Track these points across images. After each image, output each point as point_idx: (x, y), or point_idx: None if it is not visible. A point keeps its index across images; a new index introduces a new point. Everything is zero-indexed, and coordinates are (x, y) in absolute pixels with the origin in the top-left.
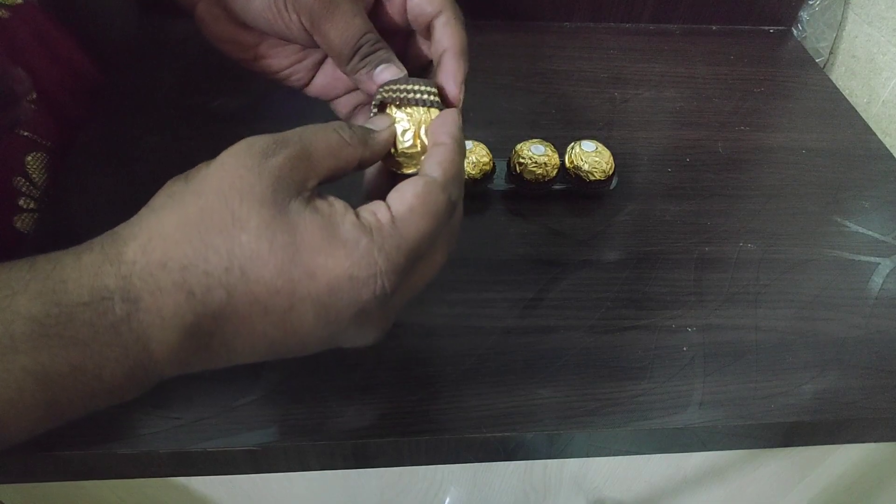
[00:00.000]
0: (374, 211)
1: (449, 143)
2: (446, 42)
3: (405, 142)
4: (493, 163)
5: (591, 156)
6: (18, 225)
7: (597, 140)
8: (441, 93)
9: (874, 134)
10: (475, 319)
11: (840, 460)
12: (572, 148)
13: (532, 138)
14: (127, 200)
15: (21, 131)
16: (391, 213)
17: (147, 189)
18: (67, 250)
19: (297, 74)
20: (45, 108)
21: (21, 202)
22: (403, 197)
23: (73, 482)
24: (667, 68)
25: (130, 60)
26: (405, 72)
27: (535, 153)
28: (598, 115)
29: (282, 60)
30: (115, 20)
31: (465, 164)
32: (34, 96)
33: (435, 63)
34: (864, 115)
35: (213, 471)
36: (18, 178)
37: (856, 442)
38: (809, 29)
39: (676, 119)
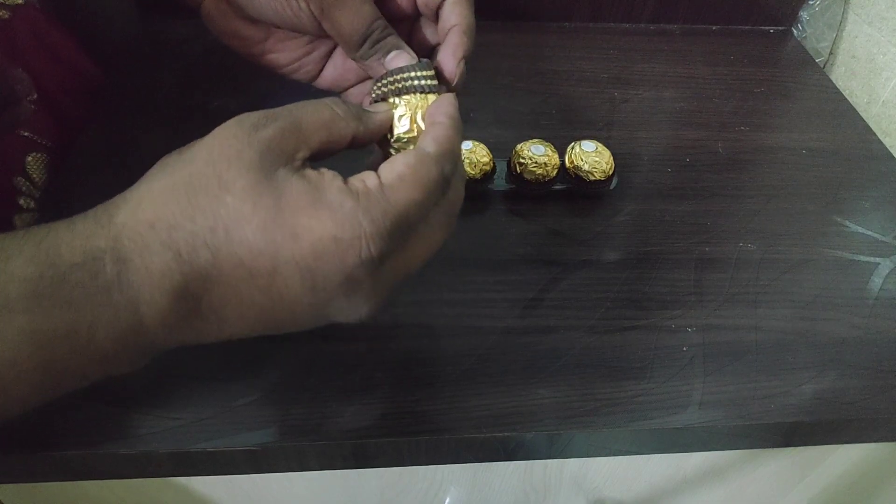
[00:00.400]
0: (363, 178)
1: (445, 122)
2: (454, 19)
3: (401, 127)
4: (493, 163)
5: (591, 156)
6: (18, 224)
7: (597, 140)
8: (438, 72)
9: (874, 134)
10: (475, 319)
11: (840, 460)
12: (572, 148)
13: (532, 138)
14: None
15: (21, 131)
16: (380, 180)
17: None
18: (62, 220)
19: (305, 67)
20: (45, 108)
21: (21, 202)
22: (394, 166)
23: (73, 482)
24: (667, 68)
25: (130, 61)
26: (416, 58)
27: (535, 153)
28: (598, 115)
29: (290, 54)
30: (116, 21)
31: (466, 165)
32: (34, 96)
33: (440, 41)
34: (864, 115)
35: (213, 471)
36: (18, 178)
37: (856, 442)
38: (809, 29)
39: (676, 119)
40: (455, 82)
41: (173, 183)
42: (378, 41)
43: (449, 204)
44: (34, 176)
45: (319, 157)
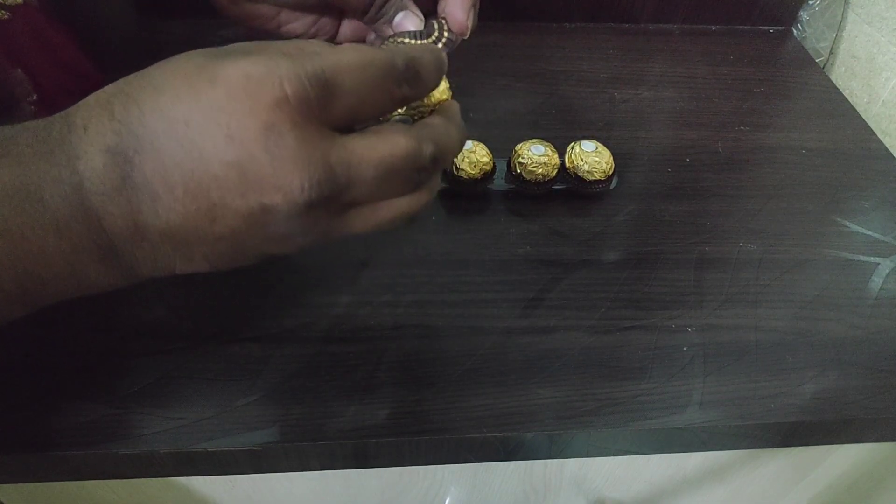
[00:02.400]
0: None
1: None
2: None
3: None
4: (493, 163)
5: (591, 156)
6: None
7: (597, 140)
8: (450, 23)
9: (874, 134)
10: (475, 319)
11: (840, 460)
12: (572, 148)
13: (532, 138)
14: None
15: None
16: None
17: None
18: None
19: (324, 29)
20: (44, 109)
21: None
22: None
23: (73, 482)
24: (666, 68)
25: (130, 61)
26: (422, 17)
27: (535, 153)
28: (597, 115)
29: (305, 21)
30: (115, 21)
31: (466, 165)
32: (34, 98)
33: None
34: (864, 115)
35: (214, 471)
36: None
37: (856, 442)
38: (809, 29)
39: (676, 119)
40: (468, 33)
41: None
42: (383, 4)
43: (425, 179)
44: None
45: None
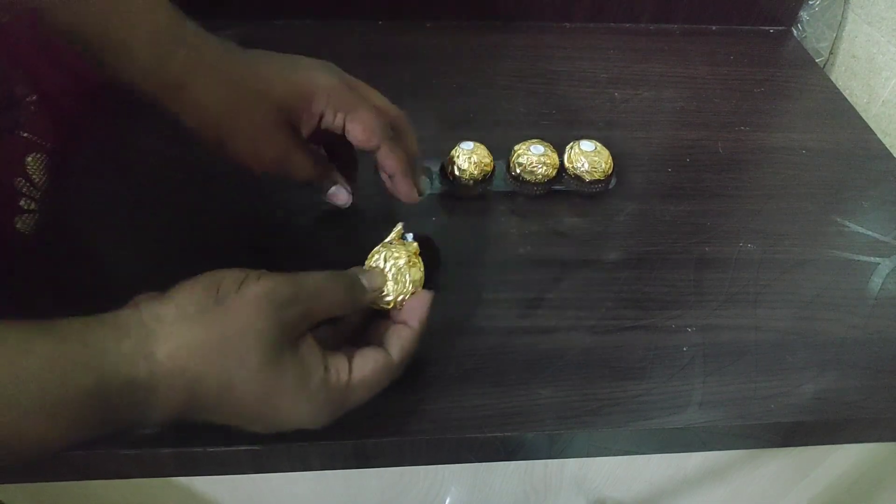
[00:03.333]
0: (339, 370)
1: (416, 328)
2: (390, 168)
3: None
4: (494, 164)
5: (590, 155)
6: (19, 226)
7: (597, 140)
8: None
9: (874, 134)
10: (475, 319)
11: (840, 460)
12: (571, 148)
13: (532, 138)
14: (127, 201)
15: (21, 133)
16: (350, 377)
17: (146, 191)
18: (105, 322)
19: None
20: (45, 109)
21: (22, 203)
22: (364, 366)
23: (76, 482)
24: (666, 68)
25: None
26: (349, 191)
27: (535, 153)
28: (597, 115)
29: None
30: None
31: (467, 164)
32: (34, 97)
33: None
34: (864, 115)
35: (216, 471)
36: (19, 180)
37: (856, 442)
38: (809, 29)
39: (676, 119)
40: (418, 200)
41: (207, 339)
42: (321, 182)
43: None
44: (34, 177)
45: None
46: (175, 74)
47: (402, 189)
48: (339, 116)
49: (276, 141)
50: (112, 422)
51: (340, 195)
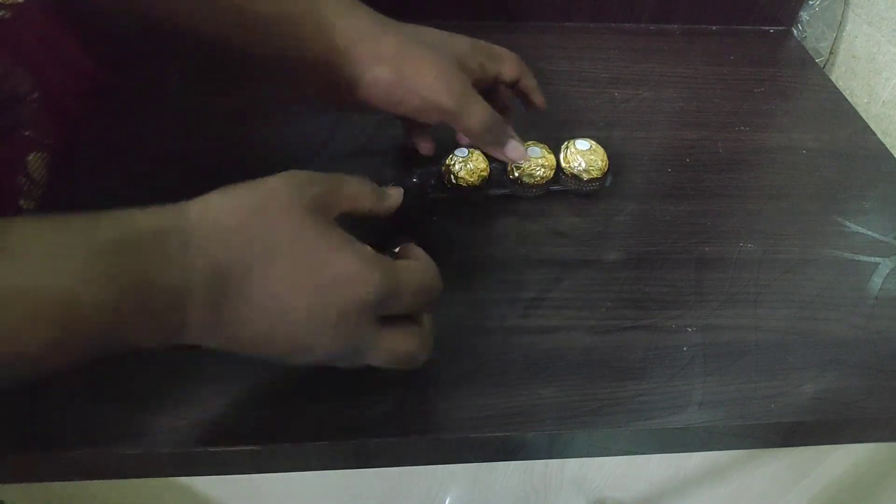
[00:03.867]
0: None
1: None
2: (531, 86)
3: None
4: (490, 168)
5: (586, 154)
6: None
7: (597, 140)
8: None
9: (874, 134)
10: (475, 319)
11: (840, 460)
12: (566, 147)
13: (531, 139)
14: (128, 200)
15: (23, 131)
16: (395, 260)
17: (148, 189)
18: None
19: None
20: (46, 107)
21: (22, 202)
22: (410, 255)
23: (76, 482)
24: (667, 68)
25: (132, 60)
26: (523, 146)
27: (533, 157)
28: (597, 115)
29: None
30: (117, 21)
31: (464, 173)
32: (36, 96)
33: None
34: (864, 115)
35: (215, 471)
36: (20, 178)
37: (856, 442)
38: (809, 29)
39: (676, 119)
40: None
41: (240, 204)
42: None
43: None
44: (35, 175)
45: (344, 217)
46: (346, 36)
47: (538, 99)
48: (503, 65)
49: (460, 79)
50: (141, 288)
51: (519, 149)
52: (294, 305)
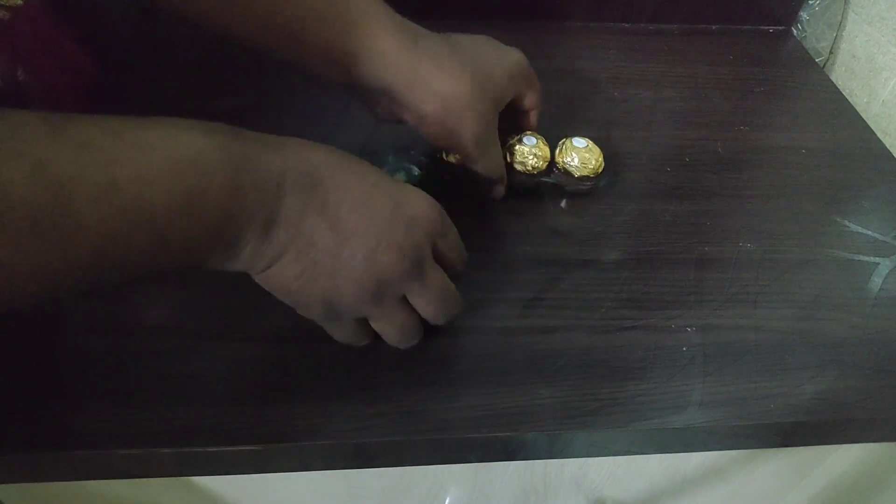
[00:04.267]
0: None
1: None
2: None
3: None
4: None
5: (581, 152)
6: None
7: (596, 140)
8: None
9: (874, 134)
10: (475, 319)
11: (840, 460)
12: (563, 143)
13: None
14: None
15: None
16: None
17: None
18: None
19: None
20: (46, 108)
21: None
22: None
23: (76, 482)
24: (666, 68)
25: (131, 61)
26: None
27: (528, 144)
28: (597, 114)
29: None
30: (116, 21)
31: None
32: (36, 95)
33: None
34: (864, 115)
35: (216, 471)
36: None
37: (856, 442)
38: (809, 29)
39: (676, 119)
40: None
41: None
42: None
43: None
44: None
45: None
46: (411, 67)
47: (533, 123)
48: (526, 93)
49: (490, 126)
50: (250, 163)
51: (500, 192)
52: (373, 214)
